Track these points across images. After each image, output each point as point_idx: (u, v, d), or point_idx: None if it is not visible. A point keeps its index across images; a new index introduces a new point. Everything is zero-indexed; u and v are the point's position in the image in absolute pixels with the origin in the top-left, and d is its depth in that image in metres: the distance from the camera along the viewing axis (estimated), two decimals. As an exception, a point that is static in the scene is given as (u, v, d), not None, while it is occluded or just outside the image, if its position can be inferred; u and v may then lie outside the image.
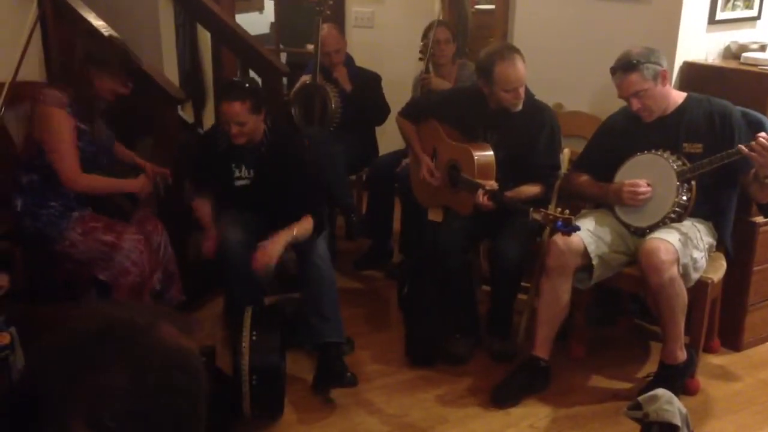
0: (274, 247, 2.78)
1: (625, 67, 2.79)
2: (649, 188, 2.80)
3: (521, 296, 3.23)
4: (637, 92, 2.79)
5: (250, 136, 2.91)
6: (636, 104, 2.82)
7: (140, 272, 2.84)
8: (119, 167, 3.12)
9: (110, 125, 3.07)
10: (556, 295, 2.84)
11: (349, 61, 4.06)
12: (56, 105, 2.77)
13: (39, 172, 2.84)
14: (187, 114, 4.40)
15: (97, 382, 0.79)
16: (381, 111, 4.08)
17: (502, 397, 2.83)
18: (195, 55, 4.61)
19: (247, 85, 2.98)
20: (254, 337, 2.59)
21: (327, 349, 2.84)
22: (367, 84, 4.02)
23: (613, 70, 2.84)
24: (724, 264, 2.95)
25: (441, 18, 4.05)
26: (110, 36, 3.04)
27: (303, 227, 2.88)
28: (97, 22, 3.35)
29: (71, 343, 0.83)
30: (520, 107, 3.06)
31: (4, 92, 2.77)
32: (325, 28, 3.86)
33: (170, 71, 4.01)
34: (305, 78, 3.93)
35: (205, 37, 4.42)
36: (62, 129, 2.77)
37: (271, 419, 2.66)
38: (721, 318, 3.15)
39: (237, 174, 3.03)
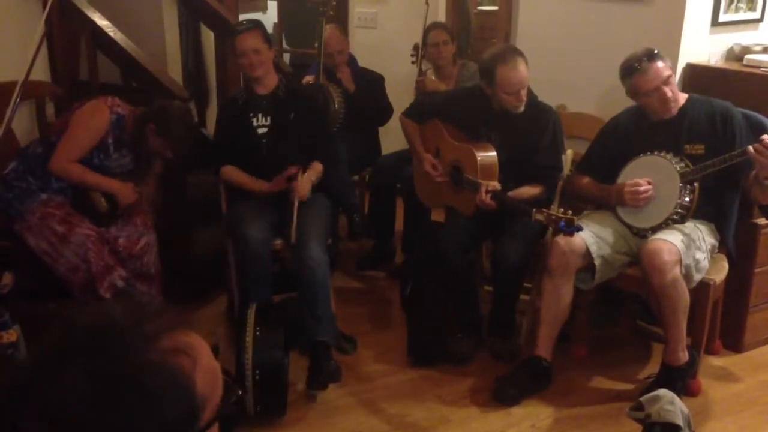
0: (306, 182, 3.05)
1: (648, 56, 2.76)
2: (650, 187, 2.81)
3: (523, 296, 3.23)
4: (668, 78, 2.77)
5: (264, 70, 3.09)
6: (668, 92, 2.77)
7: (87, 269, 2.82)
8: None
9: (136, 165, 3.07)
10: (558, 296, 2.85)
11: (352, 61, 4.07)
12: (108, 105, 2.84)
13: (45, 148, 2.90)
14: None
15: (54, 376, 0.74)
16: (384, 111, 4.10)
17: (503, 396, 2.83)
18: (198, 55, 4.61)
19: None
20: (258, 333, 2.60)
21: (319, 348, 2.85)
22: (371, 84, 4.03)
23: (630, 69, 2.79)
24: (726, 265, 2.96)
25: (441, 20, 4.07)
26: (184, 112, 3.05)
27: (317, 170, 3.15)
28: (102, 22, 3.37)
29: (47, 337, 0.79)
30: (522, 109, 3.06)
31: (16, 91, 2.79)
32: (329, 29, 3.87)
33: (174, 70, 4.02)
34: (308, 78, 3.94)
35: (208, 36, 4.43)
36: (93, 123, 2.84)
37: (273, 417, 2.67)
38: (722, 319, 3.16)
39: (255, 123, 3.16)
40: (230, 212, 3.17)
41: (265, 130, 3.17)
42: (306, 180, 3.07)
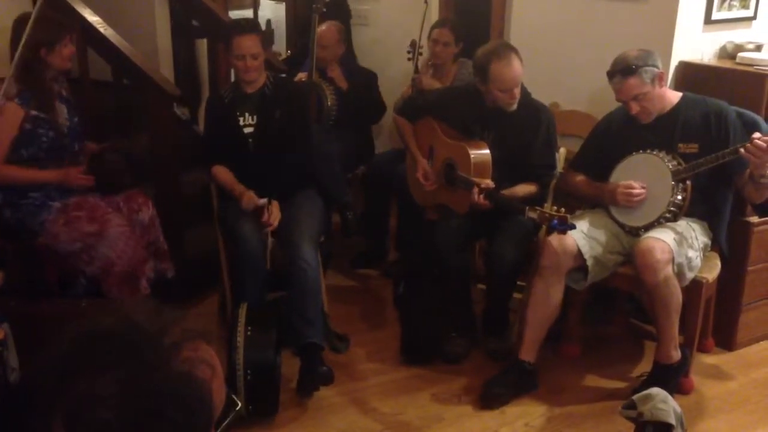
0: (276, 211, 2.98)
1: (624, 71, 2.78)
2: (643, 191, 2.81)
3: (517, 295, 3.23)
4: (636, 96, 2.79)
5: (258, 74, 3.09)
6: (635, 108, 2.82)
7: (128, 262, 2.82)
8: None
9: (75, 111, 3.03)
10: (547, 296, 2.83)
11: (348, 58, 4.05)
12: (3, 96, 2.74)
13: None
14: (182, 111, 4.39)
15: (85, 385, 0.74)
16: (377, 109, 4.09)
17: (489, 400, 2.82)
18: (191, 53, 4.59)
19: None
20: (249, 332, 2.59)
21: (309, 350, 2.83)
22: (364, 82, 4.02)
23: (611, 75, 2.83)
24: (719, 264, 2.96)
25: (434, 17, 4.05)
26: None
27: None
28: (93, 18, 3.34)
29: (72, 341, 0.77)
30: (515, 107, 3.05)
31: (3, 88, 2.75)
32: (324, 26, 3.85)
33: (166, 68, 4.00)
34: (301, 75, 3.93)
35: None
36: (1, 120, 2.76)
37: (265, 417, 2.66)
38: (714, 317, 3.16)
39: (242, 122, 3.15)
40: (224, 211, 3.15)
41: (251, 129, 3.15)
42: (276, 208, 2.99)
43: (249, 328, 2.59)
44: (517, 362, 2.88)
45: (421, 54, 3.91)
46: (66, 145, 2.93)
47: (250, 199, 3.01)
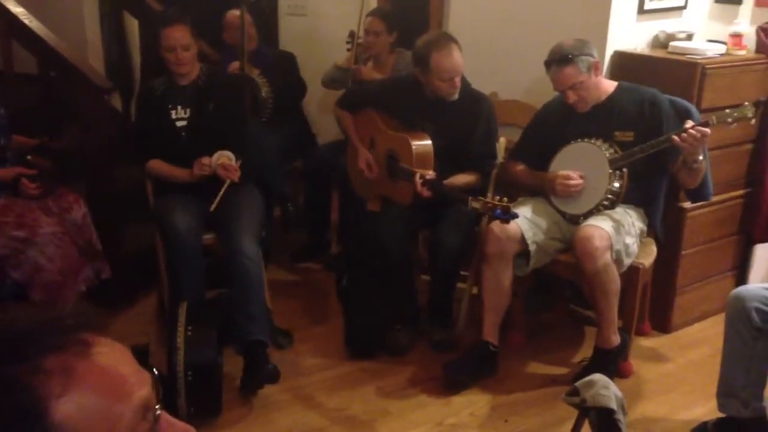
0: (226, 164, 2.95)
1: (560, 60, 2.82)
2: (581, 181, 2.85)
3: (461, 285, 3.24)
4: (573, 85, 2.83)
5: (190, 67, 3.02)
6: (572, 97, 2.86)
7: (59, 266, 2.71)
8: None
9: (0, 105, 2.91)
10: (498, 281, 2.86)
11: (259, 48, 4.01)
12: None
13: None
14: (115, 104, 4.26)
15: None
16: (298, 88, 4.06)
17: (453, 382, 2.83)
18: (122, 44, 4.45)
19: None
20: (189, 332, 2.52)
21: (254, 348, 2.79)
22: (283, 64, 4.01)
23: (548, 64, 2.87)
24: (655, 249, 3.03)
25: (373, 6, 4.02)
26: None
27: (228, 154, 3.01)
28: (16, 9, 3.20)
29: None
30: (456, 97, 3.05)
31: None
32: (236, 13, 3.77)
33: (95, 60, 3.86)
34: (234, 65, 3.83)
35: (132, 24, 4.27)
36: None
37: (208, 418, 2.60)
38: (651, 301, 3.24)
39: (174, 115, 3.06)
40: (157, 205, 3.06)
41: (184, 122, 3.07)
42: (225, 165, 2.97)
43: (189, 327, 2.53)
44: (479, 343, 2.90)
45: (360, 44, 3.88)
46: None
47: (199, 163, 2.95)
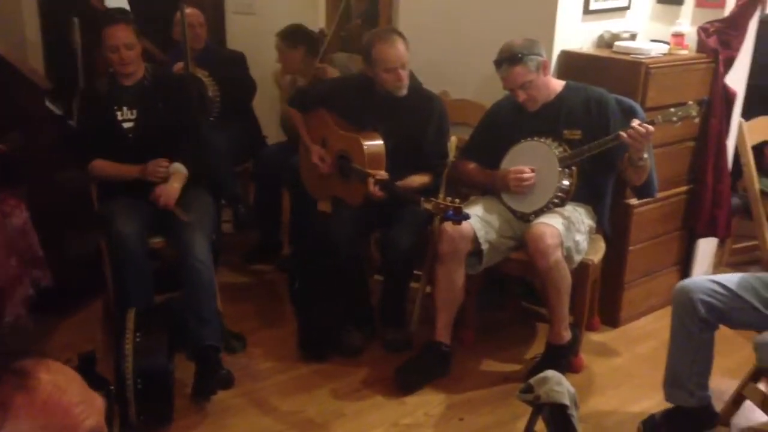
0: (171, 190, 2.88)
1: (510, 60, 2.84)
2: (533, 174, 2.88)
3: (414, 285, 3.24)
4: (523, 84, 2.86)
5: (135, 66, 2.96)
6: (522, 95, 2.89)
7: None
8: None
9: None
10: (451, 280, 2.87)
11: (207, 47, 3.96)
12: None
13: None
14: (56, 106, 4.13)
15: None
16: (247, 87, 4.03)
17: (406, 384, 2.83)
18: (63, 43, 4.32)
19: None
20: (138, 339, 2.46)
21: (207, 352, 2.74)
22: (232, 63, 3.98)
23: (498, 63, 2.89)
24: (604, 245, 3.08)
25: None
26: None
27: (180, 177, 2.95)
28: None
29: None
30: (404, 91, 3.05)
31: None
32: (189, 9, 3.71)
33: (35, 59, 3.74)
34: (179, 65, 3.76)
35: (73, 24, 4.15)
36: None
37: (159, 426, 2.54)
38: (600, 297, 3.30)
39: (120, 117, 2.98)
40: (102, 210, 2.98)
41: (131, 124, 2.99)
42: (170, 188, 2.90)
43: (138, 334, 2.46)
44: (431, 343, 2.90)
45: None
46: None
47: (156, 165, 2.90)
